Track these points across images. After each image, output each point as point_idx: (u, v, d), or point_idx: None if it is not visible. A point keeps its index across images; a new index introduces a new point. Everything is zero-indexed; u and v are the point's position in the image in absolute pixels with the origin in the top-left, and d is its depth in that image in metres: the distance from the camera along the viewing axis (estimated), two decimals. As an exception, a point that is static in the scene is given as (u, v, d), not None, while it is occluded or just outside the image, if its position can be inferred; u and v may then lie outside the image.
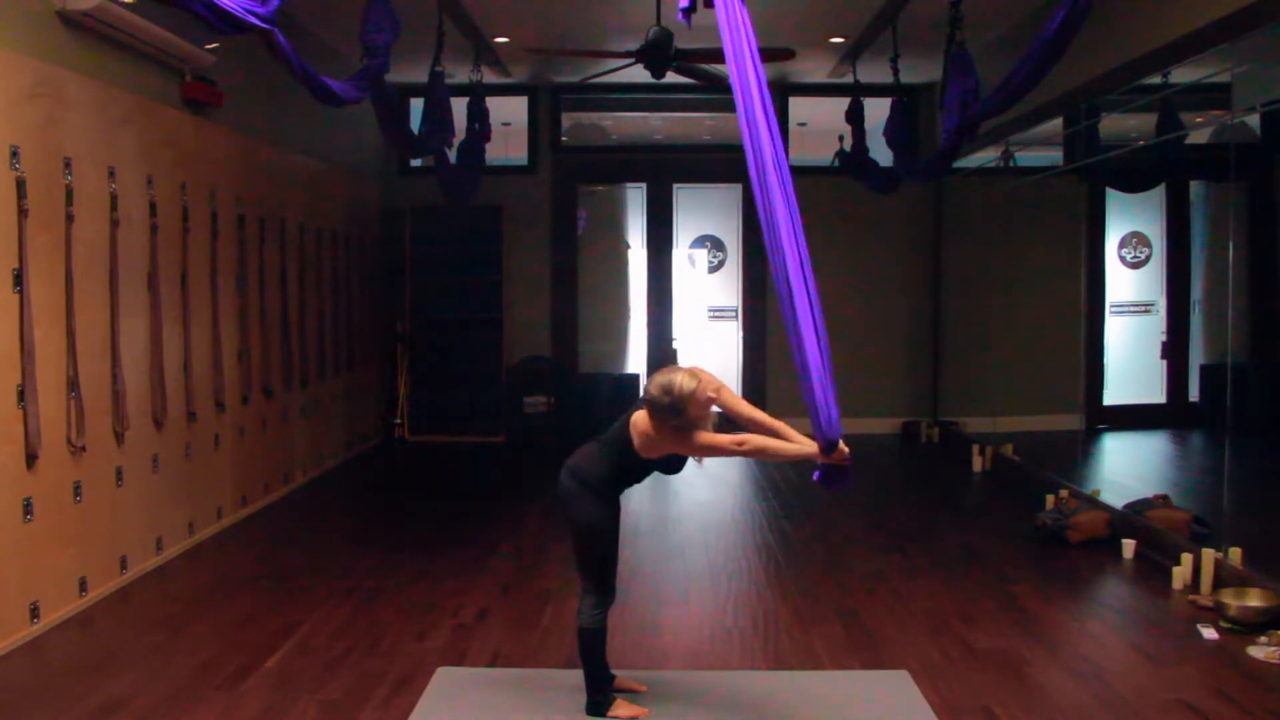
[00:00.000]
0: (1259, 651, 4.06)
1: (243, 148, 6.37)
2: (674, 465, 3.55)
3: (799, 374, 3.28)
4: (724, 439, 3.35)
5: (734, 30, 3.34)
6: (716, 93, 8.61)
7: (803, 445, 3.34)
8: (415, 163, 9.69)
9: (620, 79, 7.65)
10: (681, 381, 3.30)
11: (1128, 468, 7.65)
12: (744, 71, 3.32)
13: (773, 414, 3.47)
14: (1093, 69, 6.02)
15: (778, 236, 3.26)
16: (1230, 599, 4.43)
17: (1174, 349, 7.38)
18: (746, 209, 9.98)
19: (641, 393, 3.37)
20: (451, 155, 7.71)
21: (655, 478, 3.79)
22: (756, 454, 3.35)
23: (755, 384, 9.86)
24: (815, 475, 3.39)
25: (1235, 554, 4.79)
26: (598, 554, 3.49)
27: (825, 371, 3.24)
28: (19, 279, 4.14)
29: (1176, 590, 4.90)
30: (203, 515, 5.82)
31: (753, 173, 3.31)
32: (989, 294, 8.23)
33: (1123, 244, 7.63)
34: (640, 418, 3.40)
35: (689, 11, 3.93)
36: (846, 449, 3.31)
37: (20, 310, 4.15)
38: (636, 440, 3.40)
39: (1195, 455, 7.33)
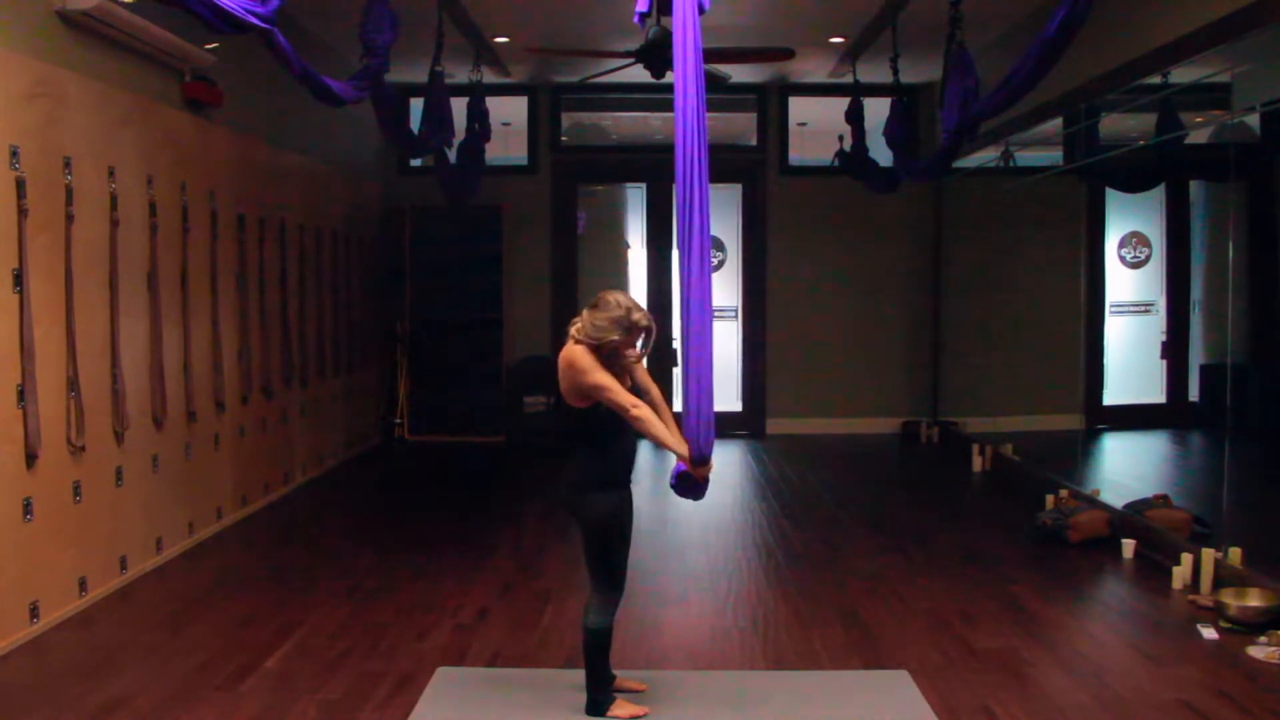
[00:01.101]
0: (1259, 651, 4.06)
1: (243, 148, 6.37)
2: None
3: (687, 385, 3.35)
4: (625, 397, 3.35)
5: (684, 36, 3.42)
6: (716, 92, 8.61)
7: (678, 442, 3.39)
8: (415, 163, 9.68)
9: (620, 79, 7.65)
10: (641, 314, 3.39)
11: (1128, 468, 7.65)
12: (685, 80, 3.40)
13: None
14: (1093, 69, 6.02)
15: (694, 242, 3.35)
16: (1230, 599, 4.43)
17: (1174, 349, 7.38)
18: (746, 209, 9.98)
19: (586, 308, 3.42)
20: (451, 155, 7.71)
21: (657, 479, 3.83)
22: (637, 423, 3.34)
23: (755, 384, 9.85)
24: (674, 473, 3.52)
25: (1235, 554, 4.79)
26: (608, 550, 3.48)
27: (709, 388, 3.33)
28: (19, 279, 4.13)
29: (1176, 590, 4.90)
30: (203, 515, 5.82)
31: (679, 177, 3.41)
32: (989, 294, 8.23)
33: (1123, 244, 7.63)
34: (566, 354, 3.40)
35: (646, 16, 3.99)
36: (710, 470, 3.44)
37: (20, 310, 4.15)
38: (563, 384, 3.41)
39: (1195, 455, 7.33)
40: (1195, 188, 7.24)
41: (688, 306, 3.34)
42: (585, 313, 3.42)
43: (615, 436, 3.46)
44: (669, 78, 6.94)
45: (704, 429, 3.33)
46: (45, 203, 4.33)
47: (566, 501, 3.55)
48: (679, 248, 3.39)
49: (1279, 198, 6.26)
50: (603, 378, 3.34)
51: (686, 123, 3.38)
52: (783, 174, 9.86)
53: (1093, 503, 6.10)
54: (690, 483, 3.48)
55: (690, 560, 5.57)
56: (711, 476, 3.51)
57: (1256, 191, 6.11)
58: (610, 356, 3.40)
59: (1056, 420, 7.48)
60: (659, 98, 9.62)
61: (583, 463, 3.49)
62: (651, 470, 7.99)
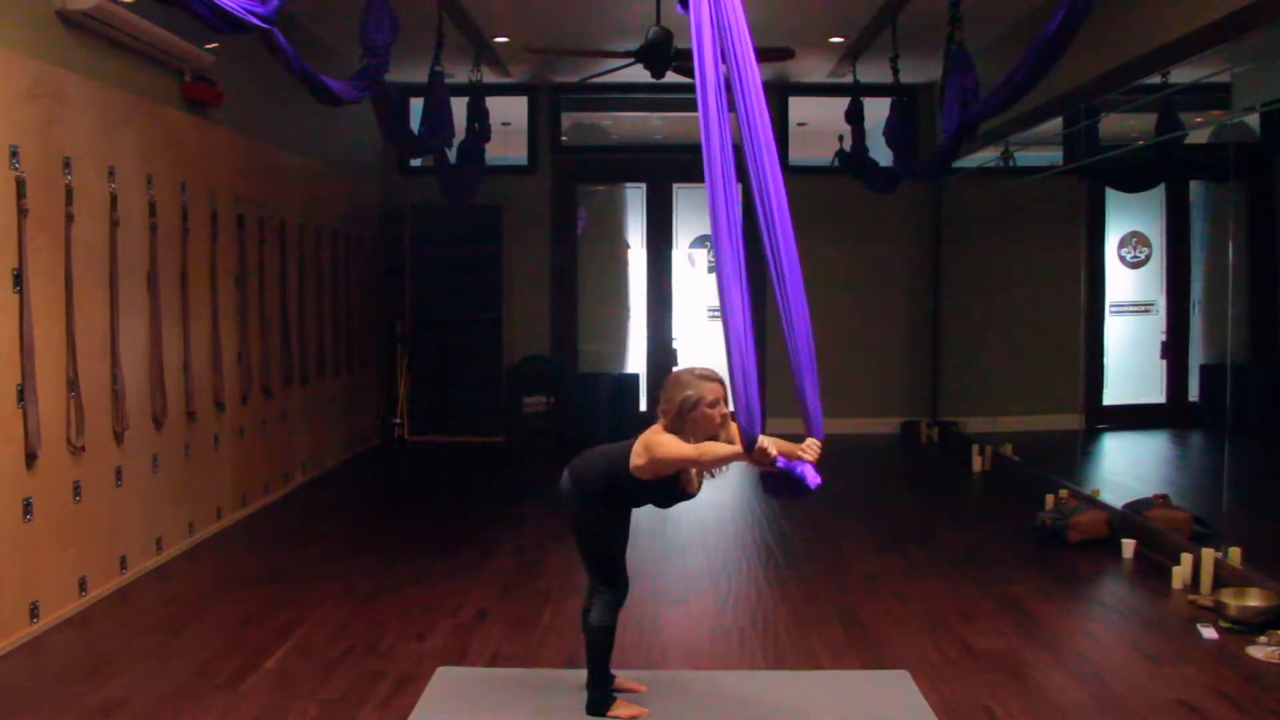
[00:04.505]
0: (1259, 651, 4.06)
1: (243, 148, 6.37)
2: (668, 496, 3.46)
3: (732, 365, 3.11)
4: (683, 448, 3.25)
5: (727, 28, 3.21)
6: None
7: (734, 446, 3.16)
8: (415, 163, 9.68)
9: (620, 79, 7.65)
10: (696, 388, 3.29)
11: (1128, 468, 7.65)
12: (744, 71, 3.20)
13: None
14: (1093, 69, 6.02)
15: (779, 230, 3.27)
16: (1230, 599, 4.43)
17: (1174, 349, 7.38)
18: (746, 209, 9.96)
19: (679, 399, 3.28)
20: (451, 155, 7.71)
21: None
22: (709, 457, 3.22)
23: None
24: (763, 480, 3.28)
25: (1235, 554, 4.79)
26: (594, 552, 3.48)
27: (750, 361, 3.09)
28: (19, 279, 4.13)
29: (1176, 590, 4.90)
30: (203, 515, 5.82)
31: (751, 171, 3.26)
32: (989, 294, 8.23)
33: (1123, 244, 7.63)
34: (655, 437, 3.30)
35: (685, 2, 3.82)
36: (772, 451, 3.06)
37: (20, 310, 4.14)
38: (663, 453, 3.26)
39: (1195, 455, 7.32)
40: (1195, 188, 7.23)
41: (785, 299, 3.17)
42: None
43: (655, 494, 3.40)
44: (670, 78, 6.99)
45: (749, 401, 3.08)
46: (45, 203, 4.33)
47: (563, 488, 3.47)
48: (766, 248, 3.26)
49: (1279, 198, 6.26)
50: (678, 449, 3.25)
51: (750, 111, 3.24)
52: (782, 174, 9.84)
53: (1093, 503, 6.10)
54: (774, 480, 3.17)
55: (690, 560, 5.57)
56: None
57: (1256, 191, 6.11)
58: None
59: (1056, 420, 7.48)
60: (659, 98, 9.64)
61: (599, 479, 3.40)
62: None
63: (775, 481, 3.19)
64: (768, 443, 3.06)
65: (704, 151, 3.11)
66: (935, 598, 4.86)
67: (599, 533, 3.46)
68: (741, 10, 3.17)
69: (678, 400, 3.26)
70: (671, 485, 3.37)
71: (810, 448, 3.14)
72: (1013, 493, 7.21)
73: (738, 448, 3.15)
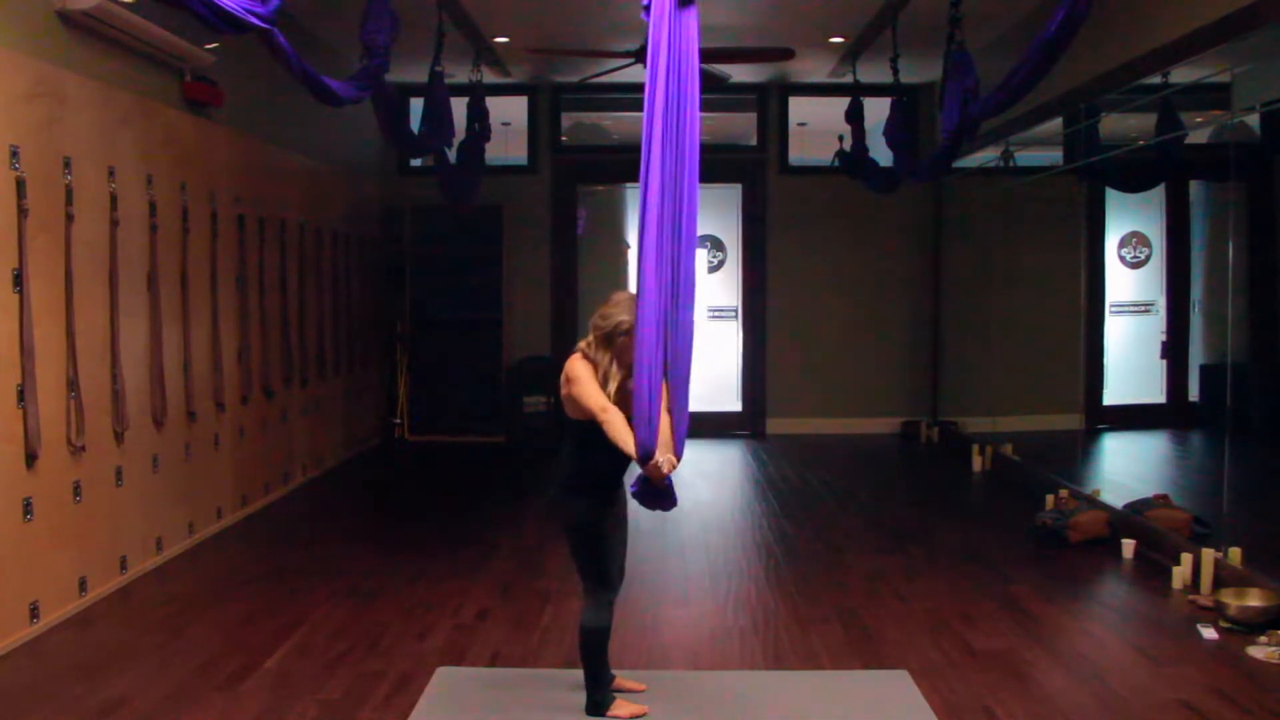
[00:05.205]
0: (1259, 651, 4.06)
1: (243, 148, 6.37)
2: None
3: (638, 370, 3.08)
4: (597, 397, 3.27)
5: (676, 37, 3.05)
6: (715, 92, 8.61)
7: (629, 441, 3.13)
8: (415, 163, 9.68)
9: (620, 79, 7.65)
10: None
11: (1128, 468, 7.65)
12: (685, 87, 3.05)
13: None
14: (1093, 69, 6.02)
15: (685, 246, 3.11)
16: (1230, 599, 4.43)
17: (1174, 349, 7.38)
18: (746, 209, 9.98)
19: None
20: (451, 155, 7.71)
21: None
22: (607, 427, 3.20)
23: (755, 384, 9.84)
24: (632, 487, 3.28)
25: (1235, 554, 4.79)
26: (586, 554, 3.49)
27: (657, 373, 3.06)
28: (19, 279, 4.13)
29: (1176, 590, 4.90)
30: (203, 515, 5.82)
31: (672, 182, 3.08)
32: (989, 294, 8.24)
33: (1123, 244, 7.63)
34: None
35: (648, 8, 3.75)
36: (665, 469, 3.11)
37: (20, 310, 4.14)
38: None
39: (1195, 455, 7.33)
40: (1195, 188, 7.24)
41: (677, 316, 3.12)
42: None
43: (600, 444, 3.29)
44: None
45: (649, 416, 3.07)
46: (45, 203, 4.33)
47: (552, 499, 3.59)
48: (673, 263, 3.15)
49: (1279, 198, 6.26)
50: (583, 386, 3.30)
51: (682, 118, 3.17)
52: (782, 174, 9.86)
53: (1093, 503, 6.10)
54: (650, 491, 3.22)
55: (690, 560, 5.57)
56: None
57: (1256, 191, 6.11)
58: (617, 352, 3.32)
59: (1056, 420, 7.49)
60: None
61: (566, 464, 3.49)
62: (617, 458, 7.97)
63: (645, 490, 3.23)
64: (663, 461, 3.09)
65: (641, 163, 3.05)
66: (935, 598, 4.86)
67: (590, 533, 3.47)
68: (695, 29, 3.10)
69: (614, 320, 3.27)
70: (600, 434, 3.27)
71: (665, 463, 3.15)
72: (1013, 493, 7.21)
73: (631, 446, 3.11)
